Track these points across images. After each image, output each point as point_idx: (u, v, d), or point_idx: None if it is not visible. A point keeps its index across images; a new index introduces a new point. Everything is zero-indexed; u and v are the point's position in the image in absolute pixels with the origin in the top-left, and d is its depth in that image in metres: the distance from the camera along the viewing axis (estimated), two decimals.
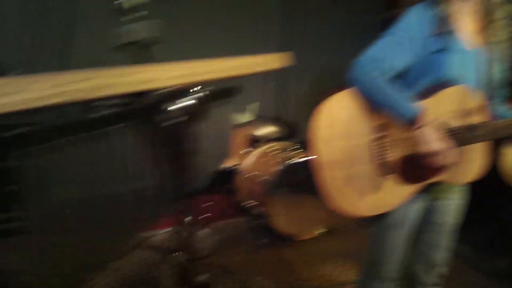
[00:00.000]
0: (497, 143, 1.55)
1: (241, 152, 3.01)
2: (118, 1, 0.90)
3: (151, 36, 0.87)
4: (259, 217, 2.89)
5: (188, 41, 3.07)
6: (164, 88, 0.75)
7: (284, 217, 2.84)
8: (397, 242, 1.58)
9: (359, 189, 1.47)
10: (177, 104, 0.79)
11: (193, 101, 0.78)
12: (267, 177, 2.80)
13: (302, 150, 3.08)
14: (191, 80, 0.75)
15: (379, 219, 1.56)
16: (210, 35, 3.20)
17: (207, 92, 0.81)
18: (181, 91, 0.78)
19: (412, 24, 1.42)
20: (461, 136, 1.44)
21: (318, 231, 3.07)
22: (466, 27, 1.48)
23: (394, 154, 1.47)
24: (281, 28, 3.48)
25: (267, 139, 3.09)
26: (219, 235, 3.00)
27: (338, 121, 1.46)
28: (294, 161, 2.91)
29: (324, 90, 1.61)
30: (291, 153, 3.00)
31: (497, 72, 1.51)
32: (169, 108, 0.78)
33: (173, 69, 0.71)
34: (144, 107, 0.76)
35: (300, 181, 2.86)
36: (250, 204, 2.93)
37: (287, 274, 2.62)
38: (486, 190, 1.98)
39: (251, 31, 3.36)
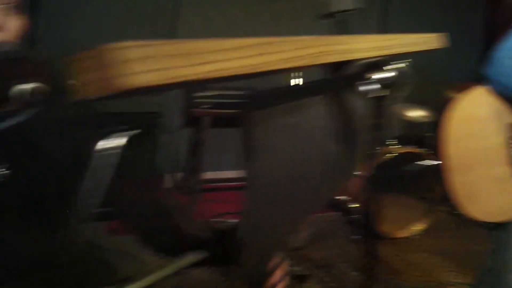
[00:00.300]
0: None
1: None
2: None
3: (356, 7, 0.87)
4: (354, 212, 2.84)
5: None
6: (365, 58, 0.73)
7: (381, 214, 2.77)
8: None
9: (492, 193, 1.38)
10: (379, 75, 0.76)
11: (394, 74, 0.75)
12: (363, 172, 2.74)
13: (400, 144, 2.97)
14: (385, 53, 0.73)
15: (510, 225, 1.46)
16: None
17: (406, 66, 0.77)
18: (382, 62, 0.76)
19: None
20: None
21: (415, 229, 2.97)
22: None
23: None
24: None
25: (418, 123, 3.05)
26: (313, 228, 2.99)
27: (472, 120, 1.37)
28: (392, 156, 2.82)
29: (449, 85, 1.52)
30: (389, 147, 2.91)
31: None
32: (373, 78, 0.75)
33: (371, 41, 0.70)
34: (347, 77, 0.75)
35: (398, 177, 2.77)
36: (345, 199, 2.89)
37: (383, 271, 2.56)
38: None
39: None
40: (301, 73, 2.17)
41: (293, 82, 2.34)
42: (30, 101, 0.57)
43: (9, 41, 0.77)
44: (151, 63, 0.38)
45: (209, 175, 3.35)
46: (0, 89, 0.57)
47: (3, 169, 0.80)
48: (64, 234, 0.90)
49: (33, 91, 0.57)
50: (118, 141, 0.37)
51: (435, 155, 1.31)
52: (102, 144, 0.37)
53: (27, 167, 0.85)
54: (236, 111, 2.97)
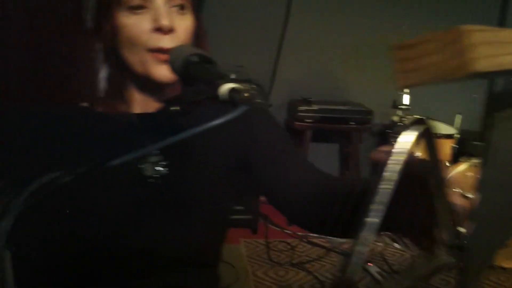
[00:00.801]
0: None
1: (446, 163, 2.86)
2: None
3: None
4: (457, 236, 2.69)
5: None
6: None
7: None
8: None
9: None
10: None
11: None
12: (467, 194, 2.59)
13: None
14: None
15: None
16: None
17: None
18: None
19: None
20: None
21: None
22: None
23: None
24: None
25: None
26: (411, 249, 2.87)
27: None
28: None
29: None
30: None
31: None
32: None
33: None
34: None
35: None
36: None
37: None
38: None
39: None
40: None
41: None
42: (237, 99, 0.58)
43: (183, 42, 0.78)
44: (489, 48, 0.38)
45: None
46: (210, 89, 0.60)
47: (163, 166, 0.84)
48: None
49: (240, 90, 0.60)
50: (407, 140, 0.37)
51: None
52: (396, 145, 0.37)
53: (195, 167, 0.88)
54: (337, 125, 2.97)
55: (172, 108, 0.59)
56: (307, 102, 2.96)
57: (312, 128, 2.91)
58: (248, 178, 0.96)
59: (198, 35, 0.83)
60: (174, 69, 0.70)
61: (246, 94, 0.59)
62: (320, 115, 2.90)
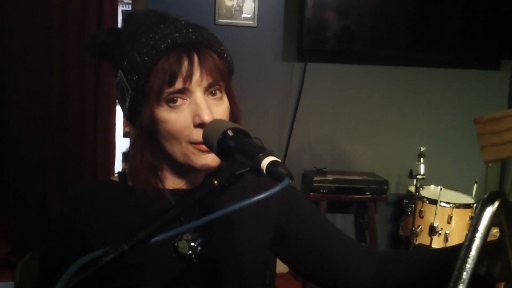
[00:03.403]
0: None
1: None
2: None
3: None
4: None
5: None
6: None
7: None
8: None
9: None
10: None
11: None
12: None
13: None
14: None
15: None
16: None
17: None
18: None
19: None
20: None
21: None
22: None
23: None
24: None
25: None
26: None
27: None
28: None
29: None
30: None
31: None
32: None
33: None
34: None
35: None
36: None
37: None
38: None
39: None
40: None
41: None
42: (282, 173, 0.58)
43: None
44: None
45: None
46: (251, 162, 0.60)
47: (199, 244, 0.82)
48: None
49: (280, 163, 0.59)
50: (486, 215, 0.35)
51: None
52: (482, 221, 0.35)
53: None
54: (353, 196, 2.94)
55: (212, 186, 0.59)
56: (322, 172, 2.95)
57: (327, 199, 2.88)
58: (284, 255, 0.93)
59: (233, 113, 0.85)
60: (209, 144, 0.70)
61: (285, 168, 0.59)
62: (335, 185, 2.88)
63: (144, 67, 0.76)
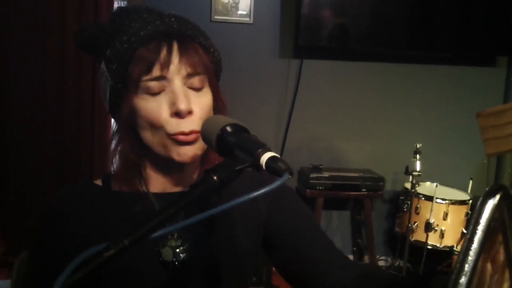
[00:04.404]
0: None
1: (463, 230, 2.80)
2: None
3: None
4: None
5: None
6: None
7: None
8: None
9: None
10: None
11: None
12: None
13: None
14: None
15: None
16: None
17: None
18: None
19: None
20: None
21: None
22: None
23: None
24: None
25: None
26: None
27: None
28: None
29: None
30: None
31: None
32: None
33: None
34: None
35: None
36: None
37: None
38: None
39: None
40: None
41: None
42: (281, 168, 0.58)
43: (202, 120, 0.77)
44: None
45: None
46: (251, 158, 0.60)
47: (182, 251, 0.80)
48: None
49: (279, 159, 0.59)
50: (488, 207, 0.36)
51: None
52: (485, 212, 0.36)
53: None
54: (349, 193, 2.94)
55: (211, 182, 0.58)
56: (318, 169, 2.96)
57: (323, 196, 2.89)
58: (270, 257, 0.92)
59: (217, 108, 0.83)
60: (208, 139, 0.70)
61: (284, 163, 0.59)
62: (332, 182, 2.89)
63: (124, 55, 0.75)
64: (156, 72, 0.74)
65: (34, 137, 2.90)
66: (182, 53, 0.75)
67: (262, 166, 0.58)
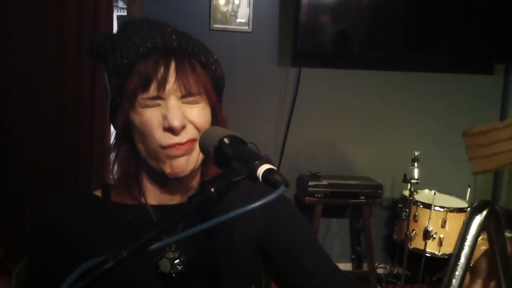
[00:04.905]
0: None
1: None
2: None
3: None
4: None
5: None
6: None
7: None
8: None
9: None
10: None
11: None
12: None
13: None
14: None
15: None
16: None
17: None
18: None
19: None
20: None
21: None
22: None
23: None
24: None
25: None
26: None
27: None
28: None
29: None
30: None
31: None
32: None
33: None
34: None
35: None
36: None
37: None
38: None
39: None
40: None
41: None
42: (278, 180, 0.59)
43: (198, 132, 0.78)
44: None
45: None
46: (247, 170, 0.61)
47: (180, 263, 0.80)
48: None
49: (276, 170, 0.60)
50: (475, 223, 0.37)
51: None
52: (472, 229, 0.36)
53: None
54: (347, 200, 2.95)
55: (209, 194, 0.59)
56: (316, 177, 2.97)
57: (322, 203, 2.89)
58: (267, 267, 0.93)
59: (217, 124, 0.83)
60: (205, 151, 0.71)
61: (280, 175, 0.59)
62: (330, 190, 2.89)
63: (123, 69, 0.76)
64: (153, 92, 0.75)
65: (33, 138, 2.91)
66: (179, 71, 0.76)
67: (258, 178, 0.59)
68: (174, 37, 0.79)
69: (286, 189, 0.57)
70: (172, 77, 0.76)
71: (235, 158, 0.64)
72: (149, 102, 0.76)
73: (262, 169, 0.60)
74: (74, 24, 2.84)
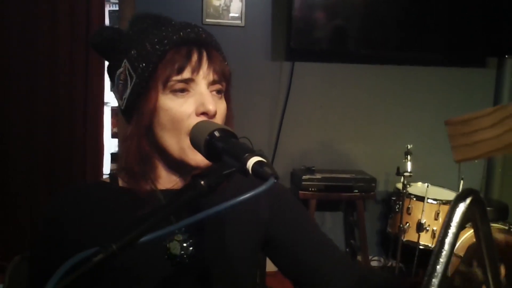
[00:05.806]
0: None
1: None
2: None
3: None
4: None
5: None
6: None
7: None
8: None
9: None
10: None
11: None
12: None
13: None
14: None
15: None
16: None
17: None
18: None
19: None
20: None
21: None
22: None
23: None
24: None
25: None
26: None
27: None
28: None
29: None
30: None
31: None
32: None
33: None
34: None
35: None
36: None
37: None
38: None
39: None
40: None
41: None
42: (267, 173, 0.59)
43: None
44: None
45: None
46: (238, 163, 0.61)
47: (190, 245, 0.82)
48: None
49: (266, 163, 0.61)
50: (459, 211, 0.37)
51: None
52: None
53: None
54: (341, 194, 2.96)
55: (199, 186, 0.60)
56: (310, 171, 2.97)
57: (316, 197, 2.90)
58: (272, 256, 0.95)
59: (228, 117, 0.85)
60: (196, 144, 0.71)
61: (271, 167, 0.60)
62: (324, 183, 2.90)
63: (154, 55, 0.78)
64: (186, 74, 0.77)
65: (24, 139, 2.90)
66: (210, 61, 0.80)
67: (248, 170, 0.60)
68: (201, 29, 0.83)
69: (275, 181, 0.57)
70: (205, 65, 0.79)
71: (225, 152, 0.64)
72: (180, 85, 0.78)
73: (251, 161, 0.60)
74: (66, 20, 2.82)
